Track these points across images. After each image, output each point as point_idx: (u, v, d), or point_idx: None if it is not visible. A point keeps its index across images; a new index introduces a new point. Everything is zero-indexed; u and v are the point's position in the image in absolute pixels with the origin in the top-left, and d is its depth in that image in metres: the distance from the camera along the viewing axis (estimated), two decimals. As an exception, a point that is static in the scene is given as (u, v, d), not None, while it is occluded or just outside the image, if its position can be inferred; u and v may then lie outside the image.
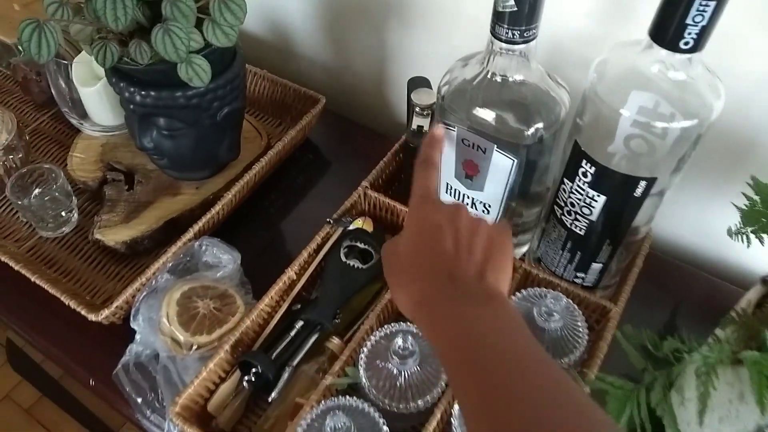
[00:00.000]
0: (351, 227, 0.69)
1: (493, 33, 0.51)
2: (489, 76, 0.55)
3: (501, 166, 0.58)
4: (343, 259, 0.67)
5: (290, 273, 0.65)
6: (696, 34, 0.42)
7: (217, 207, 0.71)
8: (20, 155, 0.77)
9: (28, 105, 0.90)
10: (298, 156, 0.86)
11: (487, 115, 0.56)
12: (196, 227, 0.69)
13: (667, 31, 0.43)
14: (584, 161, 0.52)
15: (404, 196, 0.73)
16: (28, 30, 0.53)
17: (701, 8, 0.41)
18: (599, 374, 0.47)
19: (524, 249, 0.71)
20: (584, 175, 0.53)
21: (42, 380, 1.56)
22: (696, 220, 0.73)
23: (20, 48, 0.84)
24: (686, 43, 0.43)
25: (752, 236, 0.52)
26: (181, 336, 0.61)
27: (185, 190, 0.75)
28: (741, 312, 0.47)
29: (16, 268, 0.66)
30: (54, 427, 1.51)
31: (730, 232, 0.53)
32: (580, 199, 0.55)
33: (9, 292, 0.71)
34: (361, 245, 0.68)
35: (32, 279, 0.66)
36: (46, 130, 0.87)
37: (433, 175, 0.48)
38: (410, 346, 0.54)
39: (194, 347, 0.62)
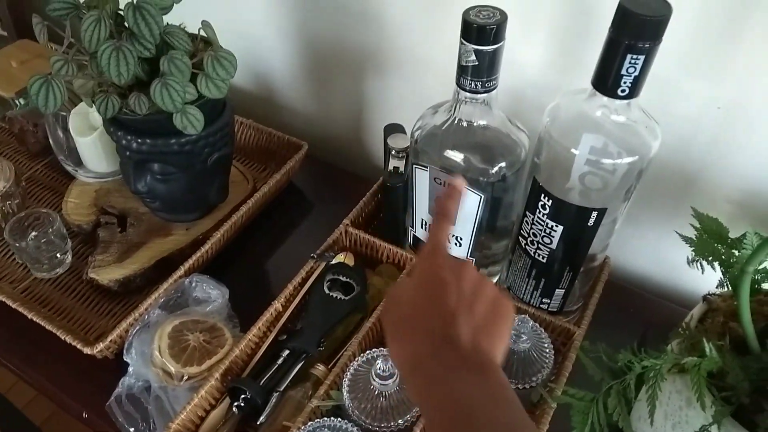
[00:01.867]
0: (333, 261, 0.73)
1: (459, 84, 0.58)
2: (456, 122, 0.62)
3: (469, 202, 0.64)
4: (327, 291, 0.71)
5: (277, 305, 0.69)
6: (630, 83, 0.49)
7: (207, 246, 0.75)
8: (17, 201, 0.81)
9: (23, 155, 0.95)
10: (283, 198, 0.91)
11: (455, 156, 0.63)
12: (187, 265, 0.73)
13: (606, 80, 0.50)
14: (543, 195, 0.58)
15: (383, 233, 0.79)
16: (37, 84, 0.58)
17: (633, 62, 0.48)
18: (565, 388, 0.52)
19: (494, 280, 0.76)
20: (543, 207, 0.59)
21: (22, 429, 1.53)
22: (652, 250, 0.80)
23: (18, 102, 0.90)
24: (623, 91, 0.50)
25: (705, 264, 0.57)
26: (172, 367, 0.65)
27: (176, 231, 0.79)
28: (685, 326, 0.52)
29: (13, 306, 0.70)
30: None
31: (688, 261, 0.59)
32: (540, 230, 0.61)
33: (3, 330, 0.74)
34: (343, 278, 0.73)
35: (29, 316, 0.69)
36: (40, 178, 0.91)
37: (447, 227, 0.47)
38: (390, 368, 0.58)
39: (185, 378, 0.65)
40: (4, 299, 0.71)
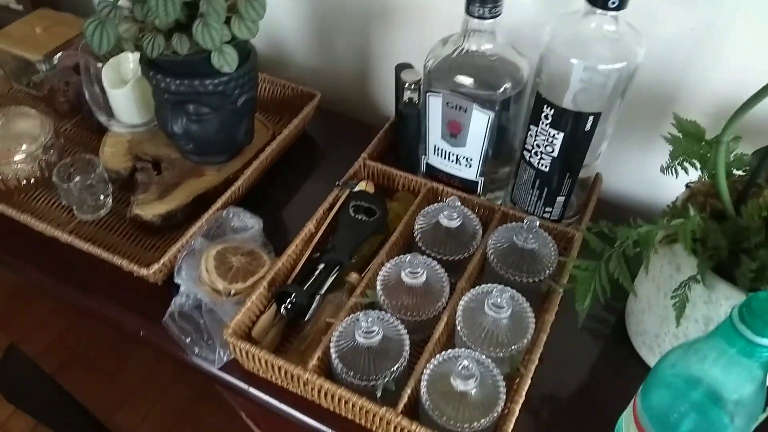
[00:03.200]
0: (356, 189, 0.81)
1: (468, 11, 0.66)
2: (465, 50, 0.70)
3: (480, 121, 0.72)
4: (352, 214, 0.79)
5: (309, 226, 0.77)
6: (618, -3, 0.58)
7: (239, 182, 0.83)
8: (57, 152, 0.88)
9: (51, 117, 1.01)
10: (297, 146, 0.99)
11: (465, 80, 0.71)
12: (223, 198, 0.81)
13: (598, -4, 0.59)
14: (545, 106, 0.67)
15: (398, 163, 0.87)
16: (92, 26, 0.65)
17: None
18: (574, 261, 0.61)
19: (499, 203, 0.84)
20: (546, 117, 0.68)
21: (41, 401, 1.59)
22: (636, 169, 0.89)
23: (43, 67, 0.96)
24: (613, 3, 0.58)
25: (681, 169, 0.66)
26: (220, 284, 0.72)
27: (208, 172, 0.87)
28: (672, 204, 0.61)
29: (68, 239, 0.77)
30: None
31: (662, 169, 0.68)
32: (543, 140, 0.70)
33: (56, 263, 0.80)
34: (365, 204, 0.81)
35: (83, 248, 0.76)
36: (71, 137, 0.98)
37: None
38: (418, 265, 0.67)
39: (232, 293, 0.73)
40: (56, 235, 0.77)
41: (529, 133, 0.71)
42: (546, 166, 0.72)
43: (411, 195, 0.84)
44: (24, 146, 0.84)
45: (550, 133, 0.69)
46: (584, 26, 0.62)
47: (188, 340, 0.72)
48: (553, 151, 0.70)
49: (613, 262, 0.57)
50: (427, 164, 0.83)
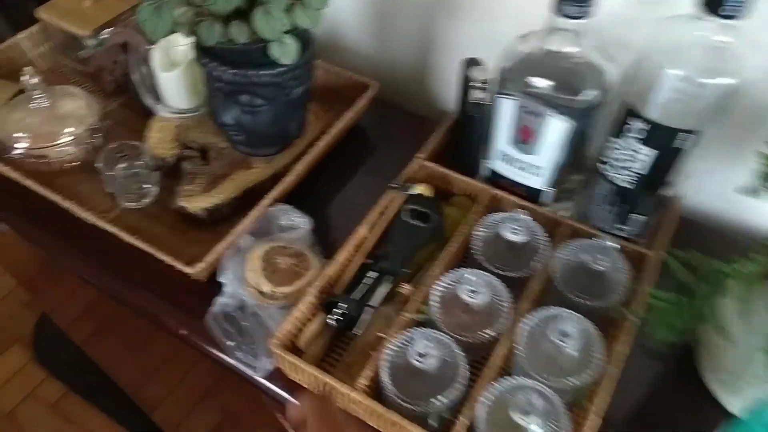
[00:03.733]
0: (412, 192, 0.76)
1: (555, 8, 0.60)
2: (546, 50, 0.64)
3: (556, 129, 0.66)
4: (407, 219, 0.74)
5: (362, 231, 0.73)
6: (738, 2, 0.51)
7: (290, 176, 0.79)
8: (103, 135, 0.85)
9: (97, 95, 0.98)
10: (350, 139, 0.94)
11: (543, 83, 0.65)
12: (272, 194, 0.77)
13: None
14: (633, 119, 0.61)
15: (456, 165, 0.82)
16: (148, 9, 0.61)
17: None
18: (652, 291, 0.55)
19: (566, 212, 0.79)
20: (631, 131, 0.61)
21: (71, 370, 1.60)
22: (718, 185, 0.82)
23: (90, 42, 0.92)
24: (728, 9, 0.51)
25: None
26: (265, 287, 0.69)
27: (257, 165, 0.83)
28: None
29: (112, 230, 0.74)
30: (81, 421, 1.55)
31: (746, 190, 0.60)
32: (626, 155, 0.64)
33: (97, 254, 0.78)
34: (421, 208, 0.76)
35: (125, 239, 0.73)
36: (117, 117, 0.94)
37: None
38: (479, 284, 0.62)
39: (278, 296, 0.69)
40: (99, 224, 0.75)
41: (610, 145, 0.65)
42: (626, 183, 0.66)
43: (468, 200, 0.79)
44: (70, 129, 0.81)
45: (635, 147, 0.62)
46: (687, 33, 0.55)
47: (231, 343, 0.69)
48: (635, 168, 0.64)
49: (700, 299, 0.51)
50: (490, 169, 0.78)
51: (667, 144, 0.60)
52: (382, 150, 0.94)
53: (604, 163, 0.67)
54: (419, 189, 0.77)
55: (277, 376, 0.67)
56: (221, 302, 0.71)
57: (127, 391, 1.52)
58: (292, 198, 0.83)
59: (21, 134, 0.79)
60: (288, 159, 0.84)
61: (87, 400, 1.55)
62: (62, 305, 1.65)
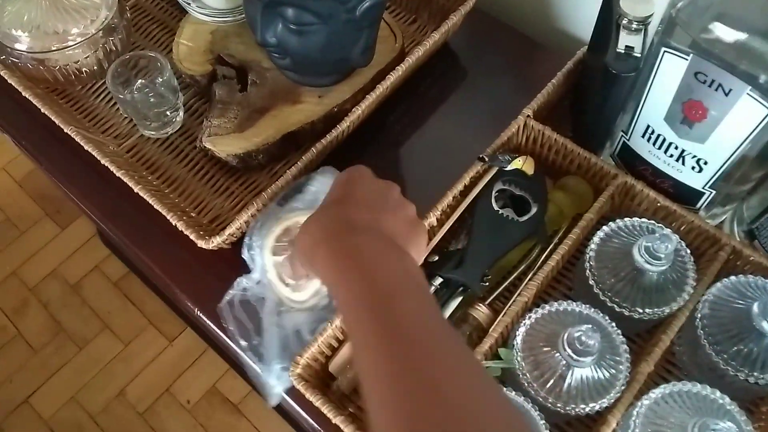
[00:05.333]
0: (509, 167, 0.55)
1: None
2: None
3: (748, 114, 0.42)
4: (495, 207, 0.54)
5: (431, 219, 0.53)
6: None
7: (344, 125, 0.59)
8: (120, 36, 0.66)
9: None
10: (435, 65, 0.71)
11: (738, 36, 0.40)
12: (322, 143, 0.58)
13: None
14: None
15: (576, 132, 0.59)
16: None
17: None
18: None
19: (714, 222, 0.55)
20: None
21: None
22: None
23: None
24: None
25: None
26: (283, 289, 0.52)
27: (306, 98, 0.63)
28: None
29: (118, 174, 0.58)
30: (141, 303, 1.54)
31: None
32: None
33: (110, 196, 0.63)
34: (517, 191, 0.55)
35: (135, 190, 0.57)
36: (147, 7, 0.75)
37: None
38: (594, 343, 0.42)
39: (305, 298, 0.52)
40: (108, 164, 0.59)
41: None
42: None
43: (587, 185, 0.57)
44: (78, 28, 0.63)
45: None
46: None
47: (244, 343, 0.53)
48: None
49: None
50: (625, 146, 0.55)
51: None
52: (475, 85, 0.71)
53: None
54: (519, 164, 0.55)
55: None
56: (242, 285, 0.55)
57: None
58: (345, 147, 0.63)
59: (19, 33, 0.62)
60: (348, 94, 0.63)
61: (147, 285, 1.53)
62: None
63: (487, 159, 0.55)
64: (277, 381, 0.50)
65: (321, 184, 0.56)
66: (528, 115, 0.57)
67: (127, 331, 1.48)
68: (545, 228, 0.55)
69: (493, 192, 0.55)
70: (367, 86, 0.63)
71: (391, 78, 0.62)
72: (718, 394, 0.43)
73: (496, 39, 0.74)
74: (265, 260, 0.52)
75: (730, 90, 0.42)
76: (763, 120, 0.42)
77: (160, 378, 1.42)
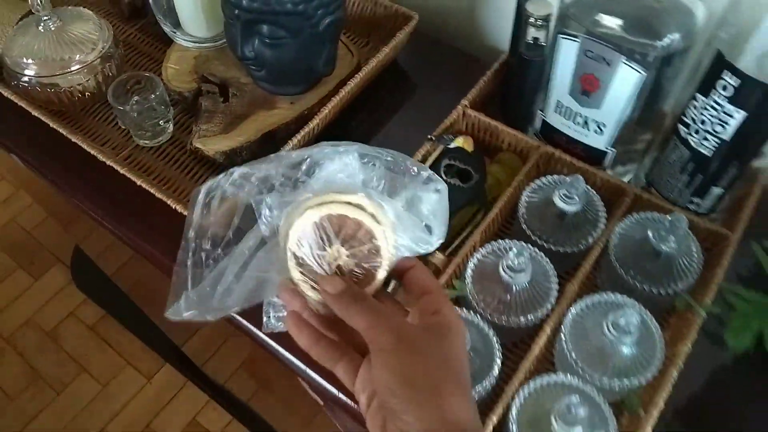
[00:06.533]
0: (452, 145, 0.67)
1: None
2: (622, -19, 0.52)
3: (627, 80, 0.55)
4: (444, 177, 0.66)
5: (392, 187, 0.64)
6: None
7: (315, 121, 0.70)
8: (117, 63, 0.77)
9: (115, 17, 0.90)
10: (385, 78, 0.84)
11: (614, 22, 0.54)
12: (294, 140, 0.69)
13: None
14: (726, 73, 0.49)
15: (505, 115, 0.72)
16: None
17: None
18: (729, 287, 0.46)
19: (626, 179, 0.68)
20: (723, 88, 0.50)
21: (107, 297, 1.62)
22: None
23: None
24: None
25: None
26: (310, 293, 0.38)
27: (280, 105, 0.74)
28: None
29: (122, 171, 0.67)
30: (117, 344, 1.57)
31: None
32: (713, 116, 0.52)
33: (108, 196, 0.72)
34: (461, 165, 0.67)
35: (138, 182, 0.67)
36: (135, 43, 0.87)
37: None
38: (523, 263, 0.53)
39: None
40: (111, 164, 0.69)
41: (693, 103, 0.54)
42: (709, 149, 0.55)
43: (517, 158, 0.69)
44: (80, 55, 0.74)
45: (725, 108, 0.51)
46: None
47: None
48: (723, 132, 0.53)
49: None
50: (544, 122, 0.67)
51: (762, 105, 0.49)
52: (422, 93, 0.83)
53: (684, 123, 0.56)
54: (460, 142, 0.67)
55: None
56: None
57: (157, 324, 1.52)
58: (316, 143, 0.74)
59: (28, 60, 0.72)
60: (315, 100, 0.75)
61: (124, 325, 1.57)
62: (92, 235, 1.64)
63: (434, 138, 0.67)
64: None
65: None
66: (465, 105, 0.70)
67: (105, 372, 1.51)
68: (485, 194, 0.66)
69: (442, 167, 0.66)
70: (331, 92, 0.75)
71: (351, 84, 0.74)
72: (626, 297, 0.54)
73: (438, 56, 0.87)
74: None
75: (611, 61, 0.55)
76: (637, 82, 0.55)
77: (141, 415, 1.45)
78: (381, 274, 0.38)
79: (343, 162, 0.40)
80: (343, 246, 0.37)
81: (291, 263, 0.38)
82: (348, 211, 0.37)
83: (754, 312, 0.44)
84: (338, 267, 0.37)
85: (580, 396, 0.46)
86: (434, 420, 0.31)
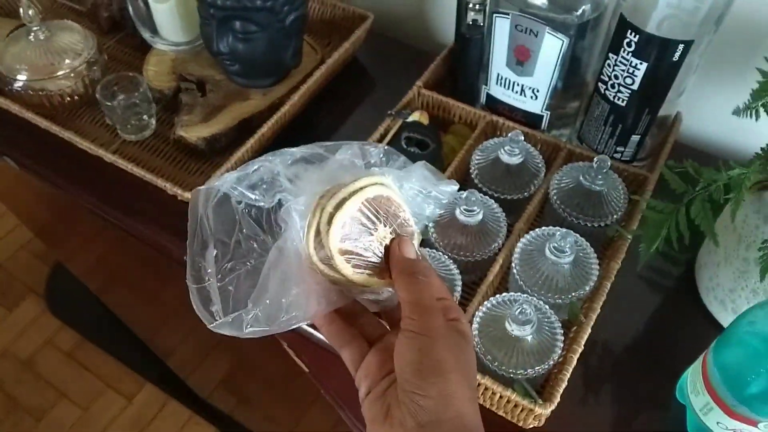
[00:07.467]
0: (409, 119, 0.76)
1: None
2: (541, -35, 0.62)
3: (552, 47, 0.65)
4: (404, 146, 0.74)
5: (359, 156, 0.73)
6: None
7: (285, 107, 0.79)
8: (101, 68, 0.84)
9: (94, 32, 0.97)
10: (346, 73, 0.93)
11: (539, 1, 0.64)
12: (269, 123, 0.77)
13: None
14: (629, 32, 0.60)
15: (456, 93, 0.81)
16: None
17: None
18: (647, 200, 0.55)
19: (565, 139, 0.78)
20: (628, 45, 0.60)
21: (84, 320, 1.63)
22: (720, 110, 0.80)
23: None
24: None
25: (761, 110, 0.57)
26: (346, 271, 0.37)
27: (253, 96, 0.82)
28: (765, 148, 0.55)
29: (112, 159, 0.74)
30: (95, 368, 1.58)
31: (738, 111, 0.58)
32: (623, 70, 0.63)
33: (101, 183, 0.79)
34: (419, 136, 0.76)
35: (128, 168, 0.74)
36: (115, 54, 0.94)
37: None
38: (475, 204, 0.62)
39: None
40: (100, 154, 0.75)
41: (607, 62, 0.64)
42: (623, 101, 0.65)
43: (468, 128, 0.79)
44: (67, 61, 0.81)
45: (631, 62, 0.61)
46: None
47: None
48: (633, 84, 0.63)
49: (696, 206, 0.51)
50: (488, 95, 0.77)
51: (660, 57, 0.59)
52: (380, 83, 0.93)
53: (602, 81, 0.66)
54: (416, 116, 0.77)
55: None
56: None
57: (141, 339, 1.55)
58: (289, 130, 0.83)
59: (20, 67, 0.79)
60: (284, 90, 0.83)
61: (102, 348, 1.58)
62: (76, 255, 1.67)
63: (393, 114, 0.76)
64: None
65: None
66: (419, 85, 0.79)
67: (85, 397, 1.52)
68: (443, 160, 0.75)
69: (402, 137, 0.75)
70: (299, 83, 0.83)
71: (316, 75, 0.83)
72: (558, 228, 0.63)
73: (393, 52, 0.97)
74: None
75: (538, 32, 0.65)
76: (561, 49, 0.65)
77: (124, 436, 1.46)
78: (416, 241, 0.40)
79: (336, 159, 0.40)
80: (385, 226, 0.38)
81: (338, 261, 0.36)
82: (381, 191, 0.38)
83: (662, 220, 0.53)
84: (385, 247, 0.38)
85: (529, 305, 0.55)
86: (450, 413, 0.32)
